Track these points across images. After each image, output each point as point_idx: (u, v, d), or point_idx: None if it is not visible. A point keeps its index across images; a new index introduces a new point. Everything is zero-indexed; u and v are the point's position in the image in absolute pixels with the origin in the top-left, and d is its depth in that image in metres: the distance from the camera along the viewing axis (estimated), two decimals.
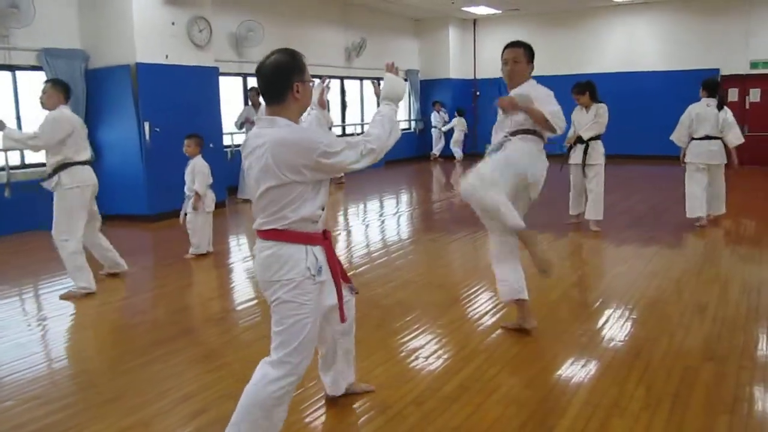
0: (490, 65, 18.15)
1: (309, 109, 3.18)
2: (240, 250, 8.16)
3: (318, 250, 2.87)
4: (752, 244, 7.46)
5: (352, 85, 16.55)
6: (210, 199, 7.41)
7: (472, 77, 19.20)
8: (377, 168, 15.48)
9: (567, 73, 16.32)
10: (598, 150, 8.06)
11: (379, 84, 3.28)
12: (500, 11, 17.37)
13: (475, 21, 18.94)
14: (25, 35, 9.00)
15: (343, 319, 3.16)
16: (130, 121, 9.64)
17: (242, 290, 6.35)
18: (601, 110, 7.99)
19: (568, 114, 8.26)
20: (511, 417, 3.41)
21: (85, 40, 9.82)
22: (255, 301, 5.68)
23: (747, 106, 15.66)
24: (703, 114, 8.03)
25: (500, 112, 4.40)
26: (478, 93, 18.84)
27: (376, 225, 9.54)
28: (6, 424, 3.52)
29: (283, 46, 3.01)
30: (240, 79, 13.00)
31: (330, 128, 5.23)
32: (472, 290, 5.73)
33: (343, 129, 16.16)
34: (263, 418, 2.81)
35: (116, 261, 6.56)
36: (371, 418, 3.44)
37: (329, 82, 3.69)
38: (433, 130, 18.19)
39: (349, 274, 3.28)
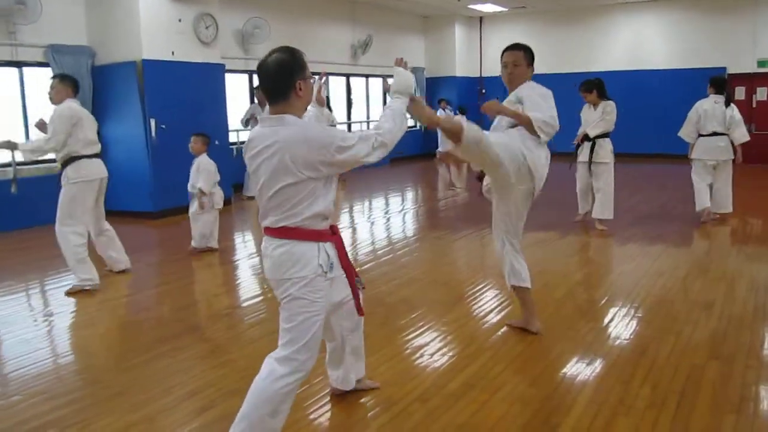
0: (497, 63, 17.78)
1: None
2: (245, 247, 8.16)
3: (329, 247, 2.90)
4: (759, 243, 7.43)
5: (357, 83, 16.54)
6: (219, 197, 7.43)
7: (478, 75, 19.18)
8: (382, 165, 15.49)
9: (574, 71, 16.33)
10: (605, 148, 7.98)
11: (387, 81, 3.29)
12: (507, 9, 17.34)
13: (481, 19, 18.92)
14: (31, 32, 9.03)
15: (360, 312, 3.23)
16: (136, 118, 9.66)
17: (248, 287, 6.36)
18: (609, 108, 7.91)
19: (575, 112, 8.34)
20: (515, 415, 3.40)
21: (92, 36, 9.85)
22: (260, 298, 5.69)
23: (754, 105, 15.61)
24: (710, 110, 8.17)
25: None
26: (483, 91, 18.81)
27: (381, 222, 9.53)
28: (12, 419, 3.53)
29: (290, 43, 3.03)
30: (246, 76, 13.01)
31: (333, 126, 5.21)
32: (477, 288, 5.72)
33: (349, 126, 16.17)
34: (270, 414, 2.81)
35: (113, 257, 6.54)
36: (376, 415, 3.44)
37: (326, 78, 3.67)
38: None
39: (354, 269, 3.28)
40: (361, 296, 3.42)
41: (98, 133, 6.24)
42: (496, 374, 3.92)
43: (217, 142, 10.21)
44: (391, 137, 2.93)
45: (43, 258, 7.24)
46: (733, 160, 8.35)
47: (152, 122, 9.65)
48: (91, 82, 9.70)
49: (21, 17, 8.78)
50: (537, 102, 4.10)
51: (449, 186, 13.23)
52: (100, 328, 5.21)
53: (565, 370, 3.99)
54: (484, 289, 5.66)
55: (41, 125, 6.00)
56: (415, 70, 18.01)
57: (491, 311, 5.09)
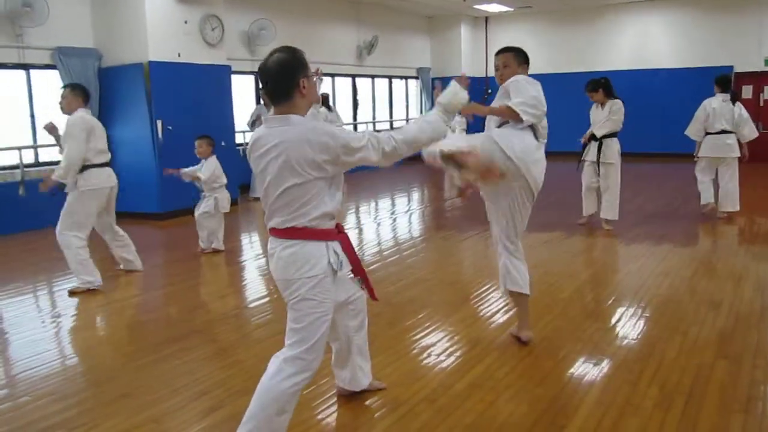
0: None
1: None
2: (252, 248, 8.18)
3: (336, 245, 2.89)
4: (766, 242, 7.40)
5: (363, 83, 16.55)
6: (225, 200, 7.44)
7: (484, 75, 19.15)
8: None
9: (580, 70, 16.30)
10: (612, 148, 7.91)
11: (441, 87, 3.23)
12: (512, 9, 17.31)
13: (487, 19, 18.89)
14: (38, 34, 9.07)
15: (374, 298, 3.22)
16: (142, 120, 9.69)
17: (254, 288, 6.38)
18: (616, 107, 7.82)
19: (582, 112, 8.31)
20: (523, 415, 3.40)
21: (99, 38, 9.88)
22: (267, 299, 5.70)
23: (761, 104, 15.56)
24: (719, 109, 8.30)
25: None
26: (489, 91, 18.77)
27: (387, 223, 9.54)
28: (21, 419, 3.55)
29: (296, 44, 3.01)
30: (252, 78, 13.03)
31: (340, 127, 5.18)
32: (484, 288, 5.72)
33: (355, 127, 16.17)
34: (277, 413, 2.82)
35: (128, 259, 6.61)
36: (383, 415, 3.45)
37: (319, 74, 3.65)
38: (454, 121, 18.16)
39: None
40: (364, 296, 3.42)
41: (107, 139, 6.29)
42: (503, 375, 3.92)
43: (223, 144, 10.25)
44: (406, 146, 2.90)
45: (50, 259, 7.26)
46: (739, 158, 8.43)
47: (159, 124, 9.68)
48: (98, 84, 9.73)
49: (28, 20, 8.82)
50: (518, 88, 4.07)
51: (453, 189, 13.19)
52: (108, 329, 5.23)
53: (572, 370, 3.99)
54: (491, 290, 5.66)
55: (51, 128, 6.04)
56: (420, 71, 18.03)
57: (498, 311, 5.09)
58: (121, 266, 6.68)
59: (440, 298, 5.58)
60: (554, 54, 17.82)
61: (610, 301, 5.36)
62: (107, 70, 9.84)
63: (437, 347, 4.39)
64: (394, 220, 9.80)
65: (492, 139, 4.05)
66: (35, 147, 9.38)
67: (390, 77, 17.38)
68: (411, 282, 6.05)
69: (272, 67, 2.81)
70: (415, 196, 12.41)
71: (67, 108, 5.96)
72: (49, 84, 9.39)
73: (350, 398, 3.60)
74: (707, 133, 8.40)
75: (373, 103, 17.04)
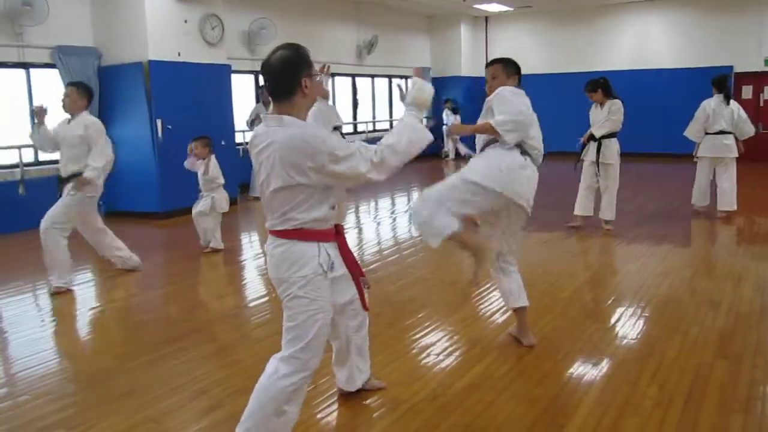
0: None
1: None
2: (251, 247, 8.18)
3: (330, 246, 2.87)
4: (765, 242, 7.40)
5: (363, 83, 16.54)
6: (223, 201, 7.43)
7: (484, 75, 19.13)
8: None
9: (579, 70, 16.29)
10: (612, 148, 7.86)
11: (402, 87, 3.15)
12: (512, 8, 17.31)
13: (486, 18, 18.89)
14: (38, 33, 9.06)
15: (365, 308, 3.20)
16: (142, 119, 9.69)
17: (254, 287, 6.37)
18: (615, 107, 7.78)
19: (581, 112, 8.30)
20: (522, 415, 3.40)
21: (98, 37, 9.88)
22: (266, 298, 5.70)
23: (761, 104, 15.56)
24: (718, 110, 8.50)
25: None
26: None
27: (387, 222, 9.54)
28: (20, 418, 3.55)
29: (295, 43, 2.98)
30: (252, 77, 13.02)
31: (340, 126, 5.10)
32: (484, 288, 5.71)
33: (355, 127, 16.18)
34: (275, 413, 2.81)
35: (123, 258, 6.58)
36: (383, 415, 3.44)
37: (328, 68, 3.57)
38: (444, 127, 18.16)
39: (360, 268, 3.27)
40: (366, 296, 3.42)
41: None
42: (502, 374, 3.92)
43: (223, 143, 10.25)
44: (395, 155, 2.78)
45: None
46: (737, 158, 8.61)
47: (159, 123, 9.68)
48: (98, 83, 9.72)
49: (28, 19, 8.81)
50: (502, 101, 4.05)
51: None
52: (107, 328, 5.23)
53: (571, 370, 3.99)
54: (491, 289, 5.65)
55: (39, 111, 5.89)
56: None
57: (497, 311, 5.09)
58: (118, 266, 6.61)
59: (440, 298, 5.57)
60: (554, 54, 17.83)
61: (609, 301, 5.36)
62: (107, 69, 9.84)
63: (437, 347, 4.39)
64: (394, 219, 9.80)
65: (482, 171, 4.01)
66: (35, 146, 9.36)
67: (390, 77, 17.37)
68: (411, 281, 6.04)
69: (275, 64, 2.77)
70: (415, 195, 12.40)
71: (71, 107, 5.89)
72: (49, 83, 9.39)
73: (350, 397, 3.60)
74: (706, 134, 8.57)
75: (373, 103, 17.04)
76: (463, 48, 18.63)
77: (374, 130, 16.59)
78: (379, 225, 9.38)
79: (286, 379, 2.80)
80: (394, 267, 6.64)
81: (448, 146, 17.58)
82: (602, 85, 7.91)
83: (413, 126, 2.86)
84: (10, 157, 9.07)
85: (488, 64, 4.39)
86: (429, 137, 2.91)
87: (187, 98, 10.01)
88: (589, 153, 7.99)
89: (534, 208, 4.26)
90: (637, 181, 11.95)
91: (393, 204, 11.28)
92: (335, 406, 3.56)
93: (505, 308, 5.08)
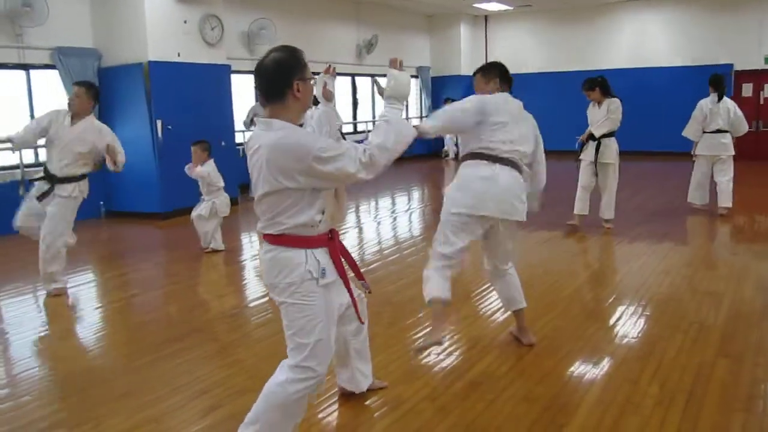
0: (502, 62, 18.04)
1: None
2: (252, 248, 8.18)
3: (320, 252, 2.78)
4: (766, 240, 7.40)
5: (363, 83, 16.55)
6: (225, 205, 7.43)
7: None
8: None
9: (579, 69, 16.29)
10: (611, 147, 7.85)
11: (379, 82, 3.04)
12: (512, 7, 17.32)
13: (486, 17, 18.89)
14: (38, 34, 9.07)
15: (361, 320, 3.15)
16: (142, 119, 9.69)
17: (254, 287, 6.37)
18: (614, 106, 7.76)
19: (580, 111, 8.30)
20: (523, 414, 3.40)
21: (98, 38, 9.89)
22: (267, 298, 5.69)
23: (761, 102, 15.54)
24: (715, 109, 8.58)
25: None
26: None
27: (387, 222, 9.54)
28: (22, 419, 3.55)
29: (296, 43, 2.94)
30: (252, 77, 13.00)
31: (340, 127, 5.07)
32: (484, 287, 5.71)
33: (355, 126, 16.18)
34: (281, 420, 2.79)
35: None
36: (384, 414, 3.45)
37: (333, 69, 3.47)
38: None
39: (361, 272, 3.24)
40: (365, 299, 3.38)
41: None
42: (503, 373, 3.92)
43: (223, 143, 10.26)
44: (382, 153, 2.67)
45: None
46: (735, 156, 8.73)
47: (159, 123, 9.68)
48: (98, 84, 9.72)
49: (27, 20, 8.81)
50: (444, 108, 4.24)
51: None
52: (108, 329, 5.23)
53: (572, 369, 3.99)
54: (491, 288, 5.63)
55: None
56: (420, 69, 18.02)
57: (498, 310, 5.08)
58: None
59: None
60: (553, 52, 17.83)
61: (610, 300, 5.36)
62: (107, 69, 9.84)
63: (437, 346, 4.38)
64: (395, 218, 9.80)
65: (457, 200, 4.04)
66: (35, 147, 9.36)
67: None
68: (411, 281, 6.03)
69: (268, 66, 2.73)
70: (416, 194, 12.41)
71: (78, 107, 5.83)
72: (49, 84, 9.39)
73: (351, 397, 3.59)
74: (704, 132, 8.65)
75: (373, 103, 17.04)
76: (463, 47, 18.63)
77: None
78: (380, 224, 9.38)
79: (294, 386, 2.76)
80: (395, 266, 6.64)
81: (448, 145, 17.58)
82: (600, 83, 7.88)
83: (398, 122, 2.78)
84: (10, 158, 9.07)
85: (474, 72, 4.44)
86: (414, 132, 2.87)
87: (187, 99, 10.02)
88: (588, 152, 7.96)
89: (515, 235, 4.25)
90: (638, 180, 11.95)
91: (393, 203, 11.28)
92: (336, 406, 3.56)
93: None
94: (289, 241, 2.71)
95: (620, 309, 5.07)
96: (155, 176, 9.73)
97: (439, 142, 18.27)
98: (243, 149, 11.73)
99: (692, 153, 8.90)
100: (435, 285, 4.04)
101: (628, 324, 4.73)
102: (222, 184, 7.39)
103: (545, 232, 7.82)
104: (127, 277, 6.54)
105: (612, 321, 4.82)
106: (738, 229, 8.11)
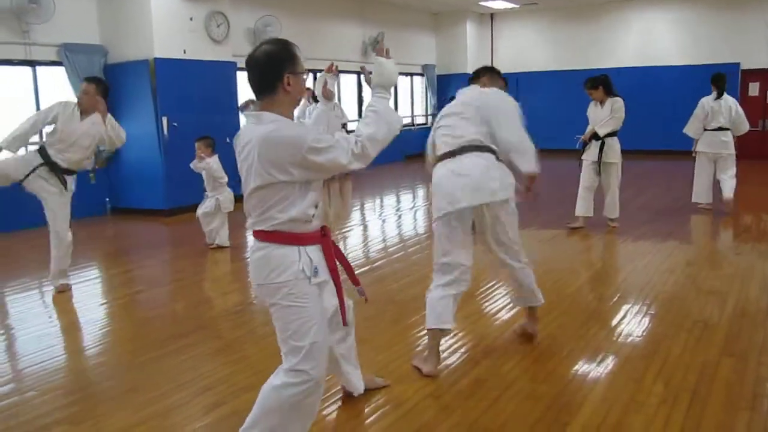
0: (507, 60, 18.07)
1: (307, 101, 2.98)
2: None
3: (313, 250, 2.72)
4: None
5: None
6: (228, 201, 7.44)
7: None
8: (394, 162, 15.47)
9: (584, 67, 16.23)
10: (614, 147, 7.78)
11: (370, 71, 2.99)
12: (518, 6, 17.29)
13: (492, 15, 18.86)
14: (44, 31, 9.09)
15: (344, 322, 3.01)
16: (148, 116, 9.72)
17: None
18: (617, 105, 7.68)
19: (582, 111, 8.27)
20: (526, 412, 3.40)
21: (104, 35, 9.91)
22: None
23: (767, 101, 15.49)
24: (716, 106, 8.63)
25: None
26: None
27: (392, 220, 9.54)
28: (28, 414, 3.57)
29: (301, 40, 2.94)
30: None
31: (345, 124, 5.04)
32: (489, 285, 5.72)
33: None
34: (279, 424, 2.73)
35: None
36: (387, 412, 3.45)
37: (335, 71, 3.44)
38: None
39: (365, 269, 3.23)
40: (351, 307, 3.33)
41: None
42: (507, 371, 3.92)
43: (228, 140, 10.22)
44: (373, 144, 2.66)
45: None
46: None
47: (164, 120, 9.70)
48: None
49: (34, 16, 8.84)
50: None
51: None
52: (113, 325, 5.25)
53: (576, 367, 3.99)
54: (495, 286, 5.66)
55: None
56: (426, 67, 18.00)
57: (502, 308, 5.09)
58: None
59: None
60: (559, 51, 17.80)
61: (614, 299, 5.35)
62: (113, 66, 9.87)
63: (441, 344, 4.37)
64: (399, 216, 9.80)
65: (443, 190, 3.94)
66: (26, 146, 9.36)
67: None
68: (416, 279, 6.04)
69: (259, 58, 2.67)
70: (420, 192, 12.39)
71: (87, 104, 5.82)
72: (56, 81, 9.41)
73: (353, 395, 3.60)
74: (705, 130, 8.71)
75: None
76: (469, 45, 18.59)
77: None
78: (384, 222, 9.38)
79: (289, 390, 2.70)
80: (399, 264, 6.64)
81: None
82: (603, 82, 7.77)
83: (386, 113, 2.76)
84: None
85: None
86: (402, 121, 2.86)
87: (193, 95, 10.04)
88: (591, 152, 7.86)
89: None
90: (643, 179, 11.92)
91: (398, 201, 11.28)
92: (338, 404, 3.56)
93: (509, 306, 5.10)
94: (281, 237, 2.65)
95: (624, 308, 5.07)
96: (161, 173, 9.75)
97: None
98: None
99: (692, 150, 8.93)
100: (432, 313, 3.95)
101: (632, 323, 4.72)
102: (226, 179, 7.41)
103: (548, 230, 7.81)
104: (132, 274, 6.56)
105: (616, 320, 4.81)
106: (743, 228, 8.09)
